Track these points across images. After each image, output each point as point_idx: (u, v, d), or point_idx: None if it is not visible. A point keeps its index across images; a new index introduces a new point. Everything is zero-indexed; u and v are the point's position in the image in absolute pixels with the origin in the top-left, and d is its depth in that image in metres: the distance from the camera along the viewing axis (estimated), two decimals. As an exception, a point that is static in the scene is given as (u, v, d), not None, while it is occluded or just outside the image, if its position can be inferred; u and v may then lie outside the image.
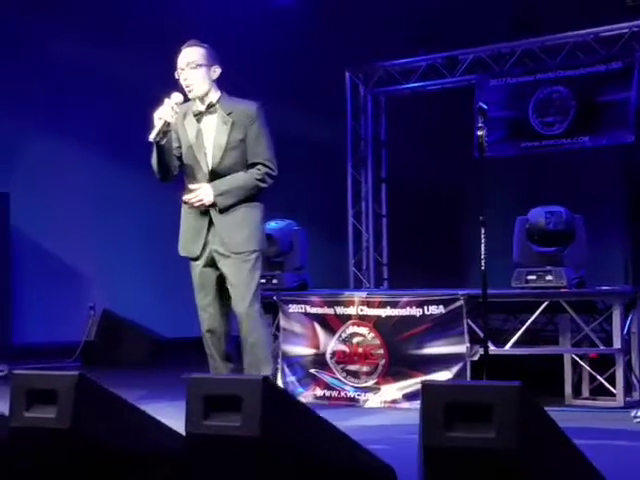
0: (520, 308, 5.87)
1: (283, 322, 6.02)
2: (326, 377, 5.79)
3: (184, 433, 2.31)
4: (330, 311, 5.84)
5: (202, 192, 4.55)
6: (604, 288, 5.69)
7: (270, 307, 6.33)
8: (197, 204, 4.56)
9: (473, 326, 5.46)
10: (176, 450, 2.31)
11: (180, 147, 4.64)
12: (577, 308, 5.58)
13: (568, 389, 5.59)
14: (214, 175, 4.58)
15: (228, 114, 4.59)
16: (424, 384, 2.30)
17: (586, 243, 5.74)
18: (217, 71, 4.64)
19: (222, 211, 4.57)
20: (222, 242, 4.57)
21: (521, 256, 5.79)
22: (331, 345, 5.80)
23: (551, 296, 5.52)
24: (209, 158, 4.59)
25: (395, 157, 9.24)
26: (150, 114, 8.80)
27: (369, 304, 5.72)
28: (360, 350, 5.70)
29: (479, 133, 5.05)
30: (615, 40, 7.69)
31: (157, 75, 8.81)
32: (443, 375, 5.47)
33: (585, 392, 5.68)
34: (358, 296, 5.81)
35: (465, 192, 8.48)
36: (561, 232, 5.64)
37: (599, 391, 5.58)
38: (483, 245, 4.96)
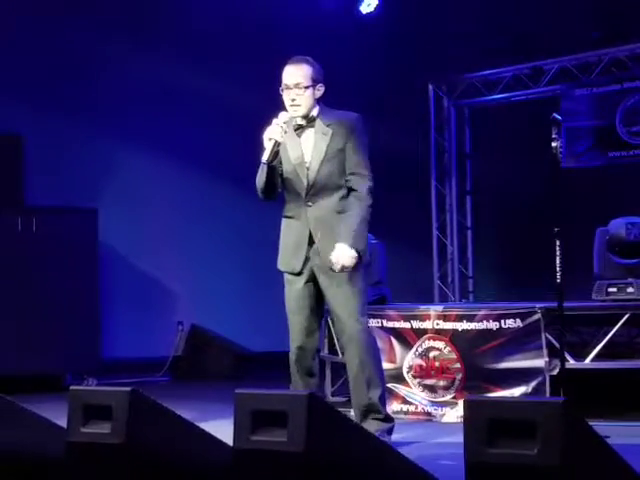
0: (603, 321, 5.77)
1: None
2: (403, 391, 5.79)
3: (236, 448, 2.36)
4: (406, 325, 5.85)
5: (341, 257, 4.39)
6: (687, 300, 5.54)
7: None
8: (345, 270, 4.41)
9: (552, 340, 5.39)
10: (226, 465, 2.36)
11: (281, 163, 4.59)
12: (660, 321, 5.45)
13: (651, 404, 5.46)
14: (313, 186, 4.51)
15: (327, 125, 4.54)
16: (466, 400, 2.31)
17: (669, 254, 5.60)
18: (321, 90, 4.57)
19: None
20: (324, 257, 4.44)
21: (601, 268, 5.71)
22: (408, 359, 5.80)
23: (633, 308, 5.41)
24: (308, 171, 4.53)
25: (479, 169, 9.20)
26: (242, 129, 9.08)
27: (445, 318, 5.70)
28: (437, 364, 5.69)
29: (553, 144, 5.00)
30: None
31: (246, 91, 9.16)
32: (521, 390, 5.41)
33: (670, 407, 5.54)
34: (434, 310, 5.80)
35: (548, 202, 8.35)
36: (642, 243, 5.53)
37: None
38: (558, 257, 4.91)
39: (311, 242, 4.50)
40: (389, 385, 5.84)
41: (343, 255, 4.38)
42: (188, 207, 8.95)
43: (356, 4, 8.92)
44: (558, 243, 4.94)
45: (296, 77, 4.52)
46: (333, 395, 6.56)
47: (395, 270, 6.98)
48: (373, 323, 5.99)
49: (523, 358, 5.45)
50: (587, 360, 5.45)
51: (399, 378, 5.81)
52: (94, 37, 8.55)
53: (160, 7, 8.74)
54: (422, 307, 5.94)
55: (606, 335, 5.48)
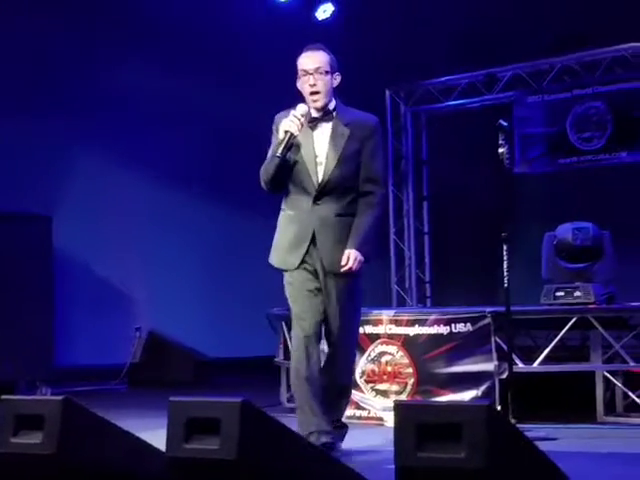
0: (551, 325, 5.86)
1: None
2: (356, 397, 5.82)
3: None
4: (360, 330, 5.87)
5: (351, 261, 4.23)
6: (633, 304, 5.64)
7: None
8: (352, 269, 4.26)
9: (501, 344, 5.46)
10: (160, 473, 2.38)
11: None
12: (607, 324, 5.54)
13: (600, 406, 5.54)
14: (325, 186, 4.31)
15: (345, 124, 4.33)
16: (396, 404, 2.36)
17: (614, 259, 5.71)
18: (338, 79, 4.39)
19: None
20: (324, 259, 4.29)
21: (550, 272, 5.80)
22: (361, 364, 5.83)
23: (579, 312, 5.50)
24: (321, 169, 4.32)
25: (436, 174, 9.28)
26: (202, 133, 9.11)
27: (397, 322, 5.76)
28: (389, 369, 5.73)
29: (500, 150, 5.07)
30: (652, 56, 7.65)
31: (205, 95, 9.18)
32: (471, 394, 5.47)
33: (619, 409, 5.63)
34: (386, 315, 5.84)
35: (503, 207, 8.46)
36: (589, 248, 5.64)
37: (633, 408, 5.52)
38: (506, 262, 4.98)
39: (312, 241, 4.32)
40: (342, 390, 5.89)
41: (353, 260, 4.22)
42: (147, 213, 8.95)
43: (312, 10, 8.98)
44: (505, 248, 5.02)
45: (316, 62, 4.32)
46: (289, 401, 6.58)
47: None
48: (327, 328, 6.03)
49: (473, 362, 5.51)
50: (535, 364, 5.53)
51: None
52: (51, 42, 8.53)
53: (120, 11, 8.72)
54: (375, 312, 5.98)
55: (554, 339, 5.56)
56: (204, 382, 8.21)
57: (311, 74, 4.30)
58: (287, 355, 6.57)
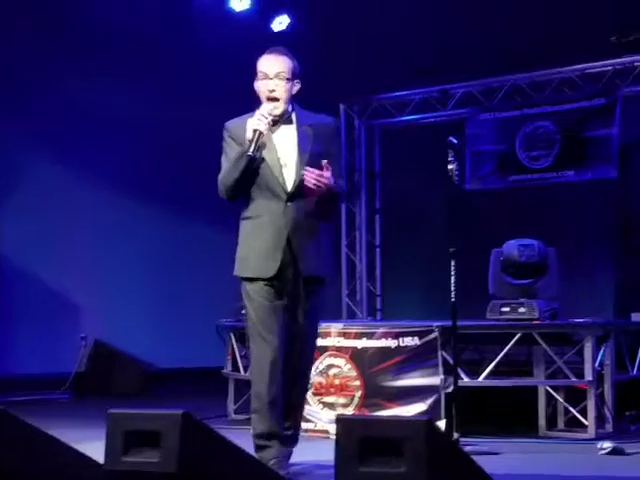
0: (497, 340, 5.93)
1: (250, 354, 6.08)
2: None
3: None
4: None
5: (327, 175, 4.06)
6: (576, 320, 5.74)
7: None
8: (316, 185, 4.06)
9: (448, 358, 5.51)
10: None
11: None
12: (551, 340, 5.63)
13: (542, 421, 5.63)
14: (296, 190, 4.13)
15: (309, 125, 4.19)
16: (338, 418, 2.38)
17: (559, 276, 5.81)
18: (297, 86, 4.24)
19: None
20: (300, 265, 4.12)
21: (496, 288, 5.88)
22: (309, 376, 5.85)
23: (523, 328, 5.58)
24: (287, 170, 4.16)
25: (389, 188, 9.35)
26: (153, 144, 9.07)
27: (346, 335, 5.78)
28: (337, 382, 5.75)
29: (449, 167, 5.13)
30: (599, 77, 7.82)
31: (155, 107, 9.15)
32: (418, 407, 5.51)
33: (560, 424, 5.72)
34: (335, 327, 5.87)
35: (454, 223, 8.58)
36: (534, 265, 5.73)
37: (574, 423, 5.61)
38: (453, 277, 5.03)
39: (287, 246, 4.13)
40: (290, 402, 5.89)
41: (327, 175, 4.06)
42: (95, 221, 8.88)
43: (268, 22, 9.02)
44: (453, 263, 5.08)
45: (278, 66, 4.18)
46: (236, 413, 6.58)
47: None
48: (275, 340, 6.04)
49: (420, 376, 5.56)
50: (480, 378, 5.59)
51: (299, 395, 5.85)
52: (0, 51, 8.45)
53: (71, 20, 8.67)
54: (323, 324, 5.96)
55: (499, 353, 5.63)
56: (151, 393, 8.16)
57: (271, 79, 4.18)
58: (235, 366, 6.58)
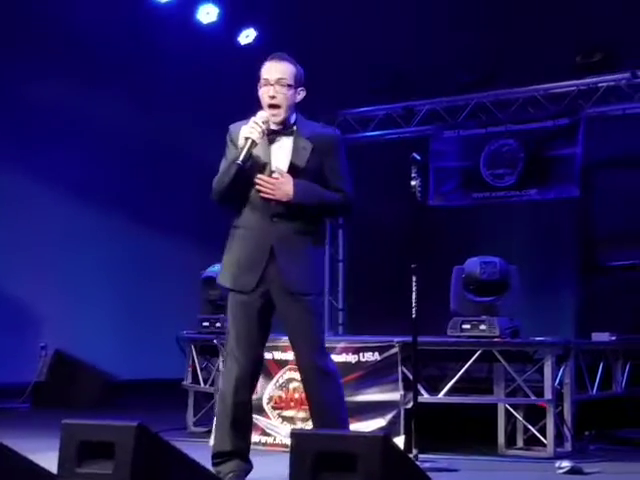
0: (457, 356, 5.94)
1: (223, 366, 6.05)
2: (263, 422, 5.81)
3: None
4: (268, 356, 5.87)
5: (281, 182, 3.96)
6: (536, 339, 5.76)
7: (212, 350, 6.39)
8: (269, 194, 3.97)
9: (408, 374, 5.51)
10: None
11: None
12: (511, 358, 5.65)
13: (501, 438, 5.63)
14: (284, 203, 4.01)
15: (307, 138, 4.06)
16: (293, 432, 2.37)
17: (520, 293, 5.83)
18: (302, 94, 4.12)
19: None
20: (285, 280, 3.97)
21: (457, 305, 5.89)
22: (268, 390, 5.83)
23: (484, 345, 5.60)
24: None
25: (353, 203, 9.35)
26: (116, 152, 9.03)
27: (306, 350, 5.75)
28: (296, 396, 5.73)
29: (412, 183, 5.14)
30: (563, 97, 7.92)
31: (122, 116, 9.11)
32: (377, 423, 5.50)
33: (520, 442, 5.73)
34: (296, 342, 5.84)
35: (416, 239, 8.60)
36: (495, 282, 5.74)
37: (533, 441, 5.63)
38: (414, 293, 5.04)
39: (270, 260, 4.00)
40: (249, 416, 5.86)
41: (285, 183, 3.96)
42: (57, 231, 8.81)
43: (235, 35, 9.03)
44: (414, 279, 5.09)
45: (279, 72, 4.08)
46: (195, 425, 6.53)
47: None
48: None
49: (380, 391, 5.55)
50: (440, 394, 5.60)
51: (259, 409, 5.82)
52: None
53: (37, 25, 8.61)
54: (284, 338, 5.92)
55: (459, 370, 5.64)
56: (111, 404, 8.08)
57: (272, 85, 4.07)
58: (195, 379, 6.54)
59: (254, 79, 9.94)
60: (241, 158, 3.96)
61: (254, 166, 4.03)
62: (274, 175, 4.00)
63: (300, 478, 2.31)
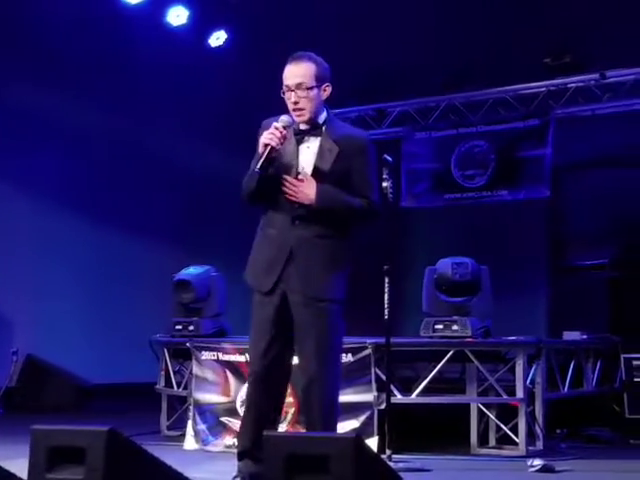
0: (430, 357, 5.97)
1: (196, 369, 6.05)
2: (236, 425, 5.78)
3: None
4: (241, 358, 5.87)
5: (304, 185, 3.89)
6: (508, 338, 5.80)
7: (185, 354, 6.37)
8: (292, 196, 3.90)
9: (381, 375, 5.53)
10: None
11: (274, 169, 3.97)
12: (484, 357, 5.69)
13: (474, 438, 5.67)
14: (306, 206, 3.94)
15: (334, 140, 3.97)
16: (265, 435, 2.37)
17: (492, 294, 5.87)
18: (327, 90, 4.01)
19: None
20: (301, 283, 3.91)
21: (430, 305, 5.91)
22: (241, 393, 5.81)
23: (456, 345, 5.63)
24: None
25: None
26: (89, 154, 8.99)
27: (279, 352, 5.75)
28: (270, 398, 5.71)
29: (384, 184, 5.15)
30: (533, 98, 7.98)
31: (100, 125, 9.07)
32: (351, 424, 5.49)
33: (492, 441, 5.77)
34: (269, 344, 5.83)
35: (391, 241, 8.63)
36: (467, 283, 5.77)
37: (505, 440, 5.67)
38: (387, 294, 5.06)
39: (289, 262, 3.94)
40: (223, 419, 5.86)
41: (307, 187, 3.89)
42: (28, 235, 8.74)
43: (205, 38, 9.03)
44: (387, 280, 5.10)
45: (298, 77, 3.96)
46: (168, 429, 6.51)
47: (235, 302, 7.02)
48: (209, 356, 6.01)
49: (354, 392, 5.55)
50: (413, 395, 5.62)
51: (233, 412, 5.83)
52: None
53: (11, 31, 8.54)
54: (257, 341, 5.96)
55: (432, 370, 5.67)
56: (84, 408, 8.04)
57: (292, 90, 3.97)
58: (168, 382, 6.52)
59: (225, 81, 10.00)
60: (259, 165, 3.87)
61: (281, 167, 3.96)
62: (299, 177, 3.93)
63: (273, 479, 2.31)
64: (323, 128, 4.00)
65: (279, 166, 3.94)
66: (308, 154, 3.99)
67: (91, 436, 2.29)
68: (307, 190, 3.90)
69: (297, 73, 3.98)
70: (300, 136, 3.99)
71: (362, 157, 4.01)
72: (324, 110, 4.03)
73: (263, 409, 4.04)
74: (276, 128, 3.87)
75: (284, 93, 4.00)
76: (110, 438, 2.29)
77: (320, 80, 3.99)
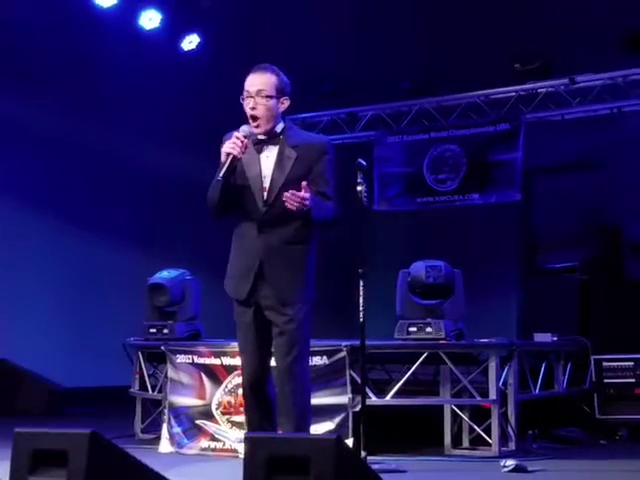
0: (404, 359, 6.02)
1: (171, 372, 6.05)
2: (212, 428, 5.82)
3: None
4: (217, 361, 5.90)
5: (304, 196, 3.91)
6: (481, 340, 5.87)
7: (160, 357, 6.38)
8: (297, 206, 3.91)
9: (356, 377, 5.57)
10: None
11: (235, 179, 4.08)
12: (457, 359, 5.75)
13: (447, 439, 5.73)
14: (268, 212, 4.05)
15: (293, 147, 4.08)
16: (247, 437, 2.40)
17: (465, 297, 5.93)
18: (285, 103, 4.13)
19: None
20: (273, 291, 4.05)
21: (403, 308, 5.95)
22: (217, 396, 5.84)
23: (430, 347, 5.68)
24: (265, 193, 4.07)
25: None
26: (64, 157, 8.95)
27: (254, 355, 5.77)
28: (245, 401, 5.74)
29: (358, 188, 5.16)
30: (504, 103, 8.07)
31: (73, 128, 9.03)
32: (326, 426, 5.54)
33: (465, 442, 5.82)
34: (244, 347, 5.85)
35: (362, 244, 8.68)
36: (440, 286, 5.82)
37: (479, 441, 5.73)
38: (362, 297, 5.08)
39: (259, 272, 4.05)
40: (198, 422, 5.87)
41: (302, 195, 3.89)
42: (0, 238, 8.70)
43: (178, 41, 9.03)
44: (362, 284, 5.13)
45: (259, 84, 4.09)
46: (143, 432, 6.51)
47: (210, 306, 7.03)
48: (184, 359, 6.02)
49: (329, 394, 5.59)
50: (388, 397, 5.67)
51: (208, 415, 5.85)
52: None
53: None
54: (233, 344, 5.97)
55: (407, 373, 5.72)
56: (57, 412, 8.01)
57: (252, 97, 4.08)
58: (143, 386, 6.52)
59: (197, 85, 9.98)
60: (221, 174, 3.98)
61: (246, 177, 4.08)
62: (286, 194, 3.92)
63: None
64: (281, 137, 4.12)
65: (244, 176, 4.07)
66: (268, 162, 4.10)
67: (73, 439, 2.31)
68: (304, 198, 3.91)
69: (259, 81, 4.11)
70: (259, 146, 4.11)
71: (321, 160, 4.11)
72: (281, 121, 4.16)
73: (261, 404, 4.20)
74: (237, 137, 4.00)
75: (244, 99, 4.12)
76: (92, 441, 2.31)
77: (280, 92, 4.12)
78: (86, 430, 2.33)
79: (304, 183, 3.95)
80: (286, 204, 3.92)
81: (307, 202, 3.90)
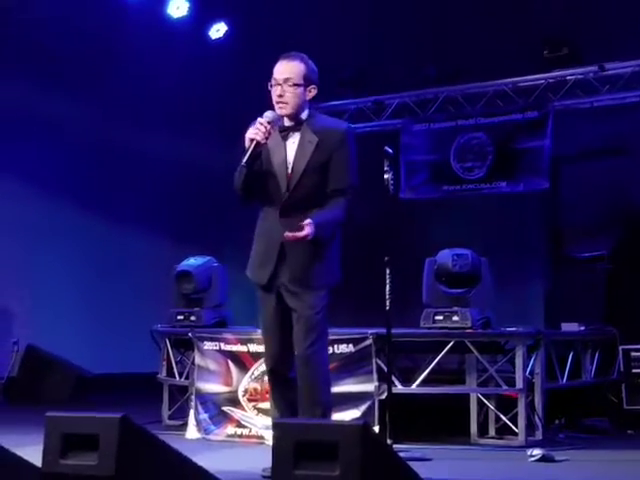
0: (430, 348, 6.01)
1: (198, 359, 6.09)
2: (238, 415, 5.85)
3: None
4: (243, 348, 5.93)
5: (309, 229, 3.96)
6: (508, 329, 5.84)
7: (187, 344, 6.42)
8: (301, 239, 3.97)
9: (382, 365, 5.57)
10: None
11: (262, 165, 4.13)
12: (483, 348, 5.73)
13: (474, 428, 5.72)
14: (291, 197, 4.11)
15: (314, 132, 4.13)
16: (275, 422, 2.41)
17: (491, 285, 5.90)
18: (313, 92, 4.18)
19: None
20: (293, 275, 4.10)
21: (429, 297, 5.94)
22: (244, 383, 5.87)
23: (456, 336, 5.67)
24: (289, 179, 4.12)
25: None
26: (82, 147, 9.00)
27: (281, 342, 5.79)
28: (272, 388, 5.76)
29: (385, 176, 5.18)
30: (532, 90, 8.02)
31: (96, 115, 9.07)
32: (352, 414, 5.55)
33: (492, 431, 5.81)
34: (270, 334, 5.87)
35: (388, 232, 8.67)
36: (467, 274, 5.81)
37: (505, 430, 5.71)
38: (388, 285, 5.09)
39: (280, 257, 4.11)
40: (224, 408, 5.91)
41: (307, 229, 3.93)
42: (25, 225, 8.77)
43: (205, 30, 9.04)
44: (388, 272, 5.14)
45: (287, 72, 4.14)
46: (170, 418, 6.56)
47: (236, 293, 7.05)
48: (211, 346, 6.06)
49: (355, 382, 5.61)
50: (413, 385, 5.67)
51: (234, 401, 5.88)
52: None
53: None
54: (259, 331, 5.94)
55: (432, 361, 5.71)
56: (84, 399, 8.07)
57: (280, 84, 4.13)
58: (170, 372, 6.56)
59: (225, 73, 10.00)
60: (245, 160, 4.02)
61: (272, 164, 4.13)
62: (287, 234, 3.98)
63: (282, 467, 2.35)
64: (305, 123, 4.17)
65: (269, 163, 4.13)
66: (292, 149, 4.16)
67: (104, 423, 2.33)
68: (307, 230, 3.94)
69: (287, 69, 4.16)
70: (285, 132, 4.16)
71: (342, 146, 4.14)
72: (307, 109, 4.19)
73: (280, 404, 4.28)
74: (260, 123, 4.03)
75: (272, 86, 4.16)
76: (123, 425, 2.33)
77: (307, 80, 4.16)
78: (117, 414, 2.35)
79: (307, 221, 3.95)
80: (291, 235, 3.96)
81: (309, 237, 3.95)
